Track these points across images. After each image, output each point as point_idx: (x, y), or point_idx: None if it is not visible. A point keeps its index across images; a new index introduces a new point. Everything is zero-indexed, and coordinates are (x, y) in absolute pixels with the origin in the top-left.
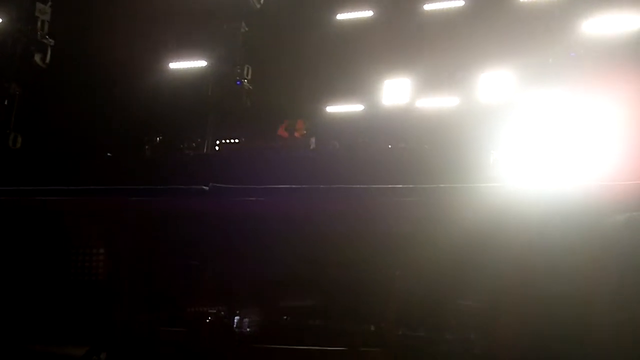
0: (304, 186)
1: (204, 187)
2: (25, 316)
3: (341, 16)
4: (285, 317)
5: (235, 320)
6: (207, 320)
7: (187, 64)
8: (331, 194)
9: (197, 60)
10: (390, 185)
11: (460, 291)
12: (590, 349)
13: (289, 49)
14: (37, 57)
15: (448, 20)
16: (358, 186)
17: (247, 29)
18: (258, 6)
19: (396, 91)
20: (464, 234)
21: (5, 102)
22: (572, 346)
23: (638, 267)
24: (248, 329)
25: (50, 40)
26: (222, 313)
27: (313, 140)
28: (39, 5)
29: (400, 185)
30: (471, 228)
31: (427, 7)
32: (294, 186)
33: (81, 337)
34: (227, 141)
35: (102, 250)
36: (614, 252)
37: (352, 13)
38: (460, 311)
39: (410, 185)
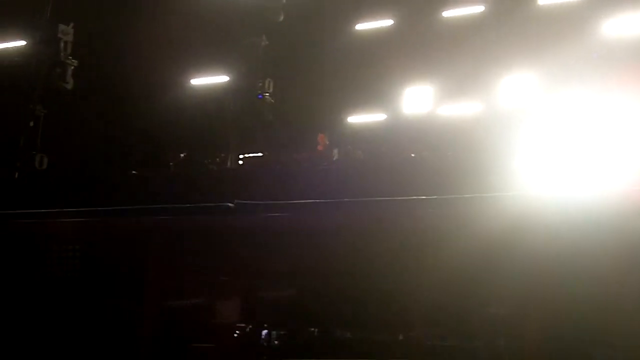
0: (328, 201)
1: (230, 204)
2: (54, 331)
3: (360, 26)
4: (312, 330)
5: (263, 334)
6: (235, 335)
7: (208, 80)
8: (355, 208)
9: (218, 75)
10: (414, 197)
11: (486, 299)
12: (616, 352)
13: (310, 61)
14: (61, 78)
15: (468, 26)
16: (382, 199)
17: (267, 42)
18: (280, 19)
19: (418, 99)
20: (489, 243)
21: (31, 124)
22: (599, 349)
23: None
24: (276, 343)
25: (74, 61)
26: (250, 328)
27: (336, 151)
28: (62, 27)
29: (424, 197)
30: (496, 236)
31: (446, 14)
32: (317, 201)
33: (110, 352)
34: (250, 155)
35: (131, 268)
36: (638, 256)
37: (372, 23)
38: (487, 318)
39: (434, 197)
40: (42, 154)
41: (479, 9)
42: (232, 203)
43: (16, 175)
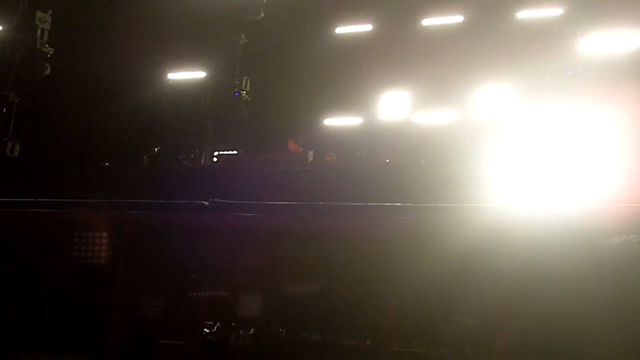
0: (302, 203)
1: (204, 202)
2: (22, 328)
3: (340, 30)
4: (281, 331)
5: (232, 335)
6: (204, 335)
7: (185, 75)
8: (329, 211)
9: (195, 71)
10: (388, 204)
11: (455, 308)
12: None
13: (288, 61)
14: (36, 66)
15: (447, 36)
16: (356, 204)
17: (246, 40)
18: (260, 16)
19: (394, 105)
20: (460, 253)
21: (4, 110)
22: None
23: (633, 290)
24: (244, 343)
25: (50, 49)
26: (219, 327)
27: (311, 153)
28: (39, 14)
29: (398, 204)
30: (467, 247)
31: (426, 22)
32: (292, 203)
33: (79, 349)
34: (225, 152)
35: (100, 263)
36: (610, 275)
37: (351, 27)
38: (455, 327)
39: (408, 204)
40: (13, 141)
41: (458, 19)
42: (207, 201)
43: None
